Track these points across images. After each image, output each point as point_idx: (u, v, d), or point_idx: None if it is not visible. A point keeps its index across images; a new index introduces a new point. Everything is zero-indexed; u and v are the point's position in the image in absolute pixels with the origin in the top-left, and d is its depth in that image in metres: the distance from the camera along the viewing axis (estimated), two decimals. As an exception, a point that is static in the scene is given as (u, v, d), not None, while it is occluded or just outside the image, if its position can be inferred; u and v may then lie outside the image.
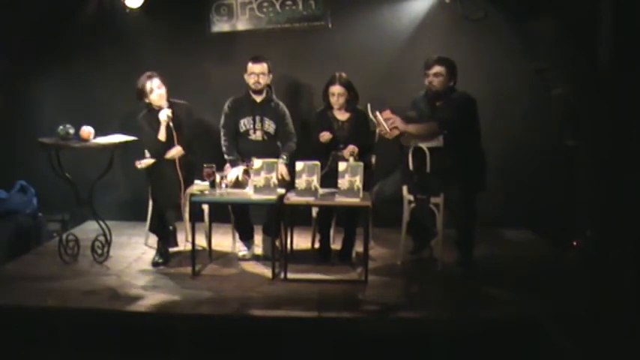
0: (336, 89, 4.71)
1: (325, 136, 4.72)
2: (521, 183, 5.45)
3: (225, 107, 4.87)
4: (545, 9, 4.84)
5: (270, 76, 4.80)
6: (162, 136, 4.60)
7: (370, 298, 4.00)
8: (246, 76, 4.78)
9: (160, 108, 4.66)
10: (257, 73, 4.73)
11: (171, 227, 4.76)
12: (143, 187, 4.79)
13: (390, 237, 4.95)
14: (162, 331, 3.68)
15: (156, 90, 4.65)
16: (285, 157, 4.72)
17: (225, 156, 4.80)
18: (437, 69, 4.43)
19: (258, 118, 4.82)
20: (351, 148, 4.66)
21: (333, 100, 4.75)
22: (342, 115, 4.85)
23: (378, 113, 4.37)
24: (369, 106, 4.48)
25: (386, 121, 4.33)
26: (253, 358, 3.69)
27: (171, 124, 4.58)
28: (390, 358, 3.63)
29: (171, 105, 4.69)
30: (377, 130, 4.49)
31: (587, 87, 4.73)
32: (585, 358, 3.29)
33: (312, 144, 4.84)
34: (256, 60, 4.73)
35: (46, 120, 5.16)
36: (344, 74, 4.74)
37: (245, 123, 4.83)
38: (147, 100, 4.68)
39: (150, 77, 4.65)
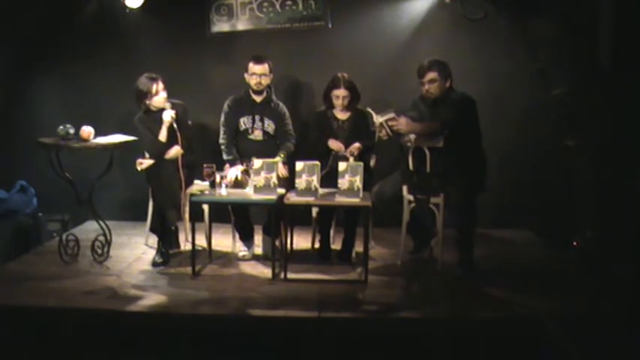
0: (341, 92, 4.71)
1: (334, 144, 4.73)
2: (521, 183, 5.45)
3: (225, 106, 4.87)
4: (545, 9, 4.84)
5: (271, 76, 4.79)
6: (163, 136, 4.60)
7: (370, 298, 4.00)
8: (247, 76, 4.77)
9: (160, 110, 4.66)
10: (259, 74, 4.72)
11: (173, 228, 4.76)
12: (143, 187, 4.78)
13: (390, 237, 4.95)
14: (162, 331, 3.68)
15: (161, 92, 4.65)
16: (282, 156, 4.71)
17: (224, 155, 4.80)
18: (430, 75, 4.43)
19: (257, 118, 4.82)
20: (357, 145, 4.67)
21: (337, 102, 4.75)
22: (342, 115, 4.85)
23: (381, 119, 4.34)
24: (372, 112, 4.44)
25: (390, 126, 4.31)
26: (253, 358, 3.69)
27: (174, 124, 4.58)
28: (390, 358, 3.63)
29: (172, 106, 4.68)
30: (377, 133, 4.47)
31: (588, 87, 4.73)
32: (585, 358, 3.29)
33: (311, 144, 4.84)
34: (258, 61, 4.72)
35: (46, 120, 5.16)
36: (346, 75, 4.74)
37: (245, 122, 4.83)
38: (147, 102, 4.65)
39: (155, 79, 4.63)
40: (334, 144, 4.74)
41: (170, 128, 4.60)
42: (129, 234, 5.27)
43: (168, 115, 4.59)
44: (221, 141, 4.84)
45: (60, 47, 5.52)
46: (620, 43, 4.33)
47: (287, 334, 3.67)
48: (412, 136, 4.41)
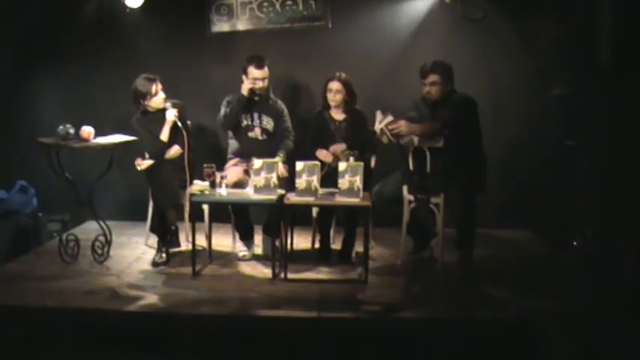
0: (334, 85, 4.72)
1: (321, 154, 4.74)
2: (521, 183, 5.45)
3: (225, 101, 4.84)
4: (545, 9, 4.84)
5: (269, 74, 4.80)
6: (165, 136, 4.60)
7: (370, 298, 4.00)
8: (245, 79, 4.74)
9: (158, 110, 4.66)
10: (260, 79, 4.71)
11: (173, 227, 4.76)
12: (143, 187, 4.78)
13: (390, 237, 4.95)
14: (162, 331, 3.68)
15: (159, 93, 4.65)
16: (282, 155, 4.71)
17: (228, 111, 4.73)
18: (432, 78, 4.43)
19: (256, 115, 4.82)
20: (341, 148, 4.68)
21: (330, 96, 4.76)
22: (339, 116, 4.85)
23: (380, 124, 4.34)
24: (378, 114, 4.43)
25: (390, 130, 4.31)
26: (253, 358, 3.69)
27: (179, 123, 4.59)
28: (390, 358, 3.63)
29: (173, 105, 4.68)
30: (377, 136, 4.46)
31: (587, 87, 4.73)
32: (585, 358, 3.29)
33: (309, 146, 4.83)
34: (259, 65, 4.69)
35: (46, 120, 5.16)
36: (344, 74, 4.75)
37: (244, 118, 4.82)
38: (146, 103, 4.65)
39: (154, 80, 4.63)
40: (321, 154, 4.75)
41: (173, 127, 4.60)
42: (129, 234, 5.27)
43: (172, 115, 4.59)
44: (220, 118, 4.81)
45: (60, 47, 5.52)
46: (620, 42, 4.33)
47: (287, 334, 3.67)
48: (413, 137, 4.41)
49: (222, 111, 4.81)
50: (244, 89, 4.71)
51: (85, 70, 5.52)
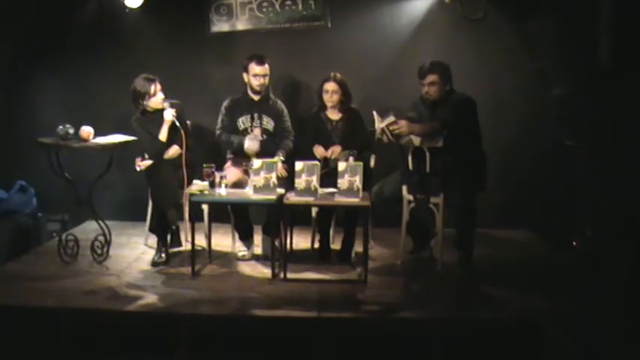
0: (330, 86, 4.72)
1: (317, 151, 4.74)
2: (521, 183, 5.45)
3: (223, 108, 4.86)
4: (545, 9, 4.84)
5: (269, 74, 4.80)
6: (163, 136, 4.60)
7: (370, 298, 4.00)
8: (246, 76, 4.76)
9: (156, 110, 4.66)
10: (261, 75, 4.72)
11: (174, 227, 4.76)
12: (143, 187, 4.78)
13: (390, 237, 4.95)
14: (162, 331, 3.68)
15: (158, 93, 4.65)
16: (281, 155, 4.71)
17: (231, 141, 4.76)
18: (431, 78, 4.42)
19: (256, 116, 4.82)
20: (337, 150, 4.69)
21: (326, 97, 4.76)
22: (335, 115, 4.85)
23: (381, 124, 4.33)
24: (375, 114, 4.43)
25: (391, 131, 4.30)
26: (253, 358, 3.69)
27: (177, 123, 4.58)
28: (390, 358, 3.63)
29: (171, 105, 4.67)
30: (377, 136, 4.46)
31: (587, 87, 4.73)
32: (585, 358, 3.29)
33: (306, 146, 4.83)
34: (260, 61, 4.71)
35: (46, 120, 5.16)
36: (339, 74, 4.76)
37: (243, 121, 4.82)
38: (144, 103, 4.65)
39: (153, 80, 4.62)
40: (318, 150, 4.75)
41: (172, 127, 4.60)
42: (129, 234, 5.27)
43: (170, 114, 4.58)
44: (220, 138, 4.83)
45: (60, 47, 5.52)
46: (620, 42, 4.33)
47: (287, 334, 3.67)
48: (413, 137, 4.41)
49: (220, 119, 4.84)
50: (249, 150, 4.69)
51: (85, 70, 5.52)
